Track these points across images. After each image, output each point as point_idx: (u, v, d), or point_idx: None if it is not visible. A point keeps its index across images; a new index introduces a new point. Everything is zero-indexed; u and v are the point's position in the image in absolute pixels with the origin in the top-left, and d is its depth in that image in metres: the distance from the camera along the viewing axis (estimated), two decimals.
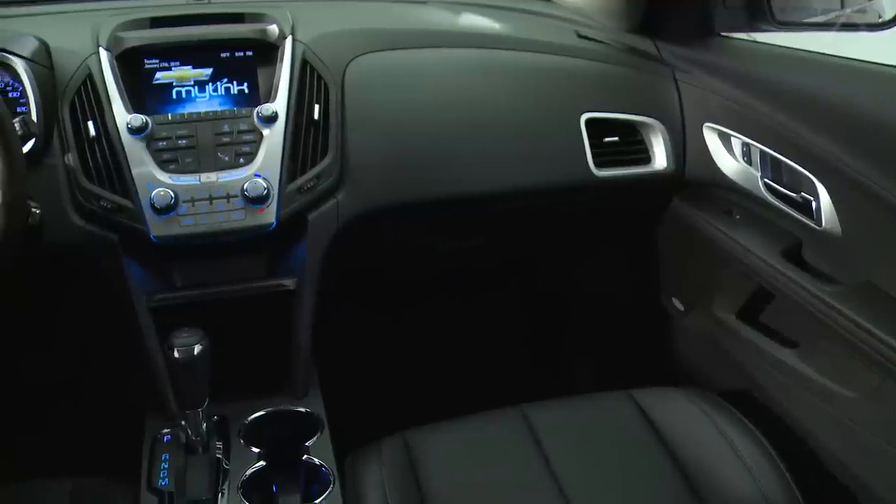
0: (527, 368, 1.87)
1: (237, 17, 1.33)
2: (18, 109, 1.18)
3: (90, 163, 1.18)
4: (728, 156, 1.36)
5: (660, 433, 1.19)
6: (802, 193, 1.21)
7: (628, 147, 1.42)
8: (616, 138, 1.41)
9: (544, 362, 1.92)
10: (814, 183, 1.17)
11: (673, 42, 1.49)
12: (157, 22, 1.31)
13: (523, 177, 1.36)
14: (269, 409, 1.28)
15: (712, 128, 1.38)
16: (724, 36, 1.45)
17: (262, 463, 1.17)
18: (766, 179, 1.28)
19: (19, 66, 1.18)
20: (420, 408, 1.33)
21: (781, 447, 1.16)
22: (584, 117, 1.38)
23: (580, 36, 1.52)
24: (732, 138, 1.34)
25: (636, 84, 1.45)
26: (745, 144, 1.32)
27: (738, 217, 1.38)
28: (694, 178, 1.43)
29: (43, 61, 1.22)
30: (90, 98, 1.20)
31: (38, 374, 1.70)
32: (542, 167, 1.37)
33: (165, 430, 1.23)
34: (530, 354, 1.92)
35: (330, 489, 1.14)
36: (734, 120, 1.33)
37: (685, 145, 1.43)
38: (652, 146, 1.43)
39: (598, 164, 1.38)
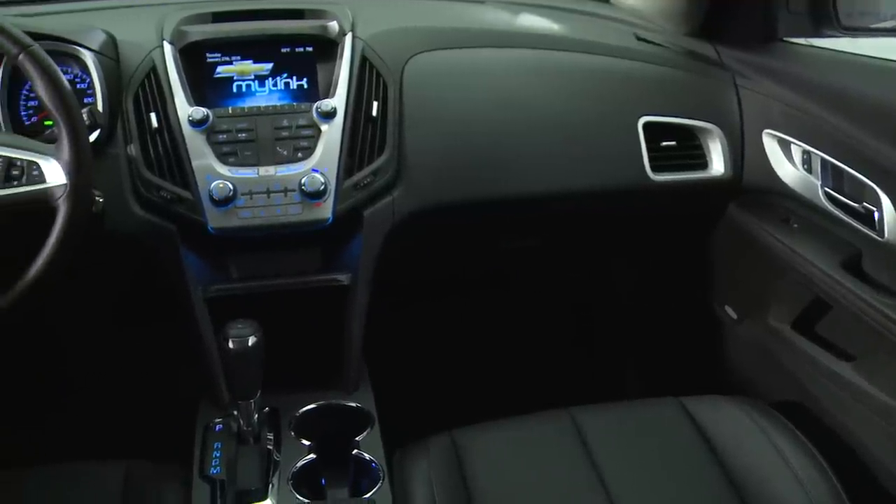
0: (575, 370, 1.87)
1: (298, 13, 1.35)
2: (86, 100, 1.21)
3: (151, 154, 1.21)
4: (787, 163, 1.34)
5: (709, 441, 1.18)
6: (864, 203, 1.18)
7: (685, 152, 1.41)
8: (673, 142, 1.40)
9: (593, 365, 1.91)
10: (877, 193, 1.14)
11: (734, 46, 1.47)
12: (219, 17, 1.33)
13: (579, 179, 1.36)
14: (320, 403, 1.29)
15: (772, 134, 1.36)
16: (786, 41, 1.42)
17: (312, 456, 1.19)
18: (826, 188, 1.26)
19: (88, 58, 1.21)
20: (467, 406, 1.33)
21: (834, 461, 1.14)
22: (641, 120, 1.37)
23: (639, 38, 1.51)
24: (793, 145, 1.32)
25: (695, 88, 1.44)
26: (805, 152, 1.30)
27: (795, 226, 1.36)
28: (751, 185, 1.41)
29: (110, 54, 1.25)
30: (153, 90, 1.23)
31: (93, 360, 1.73)
32: (598, 169, 1.36)
33: (218, 420, 1.24)
34: (579, 356, 1.91)
35: (379, 485, 1.14)
36: (795, 127, 1.31)
37: (743, 151, 1.41)
38: (709, 151, 1.42)
39: (654, 169, 1.37)
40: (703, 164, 1.42)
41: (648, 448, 1.19)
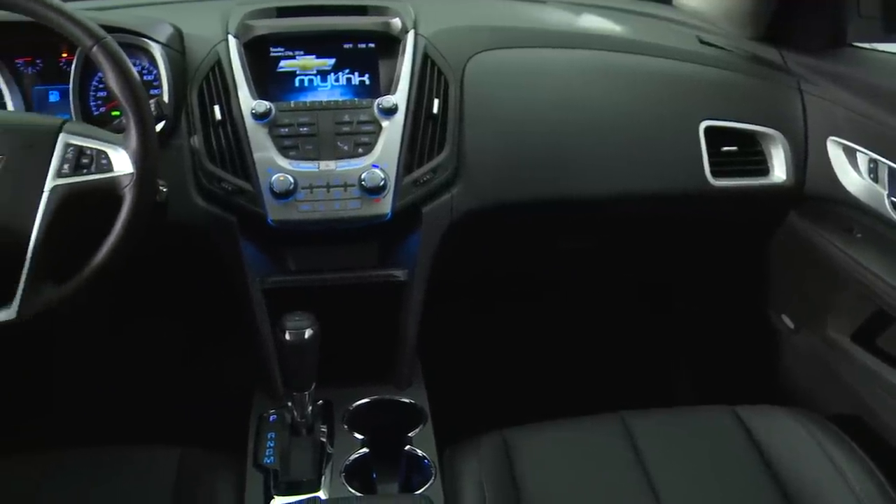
0: (628, 374, 1.85)
1: (361, 10, 1.36)
2: (152, 92, 1.23)
3: (214, 146, 1.23)
4: (852, 171, 1.31)
5: (763, 452, 1.16)
6: None
7: (747, 157, 1.39)
8: (735, 148, 1.38)
9: (646, 369, 1.89)
10: None
11: (800, 51, 1.44)
12: (283, 11, 1.35)
13: (638, 182, 1.35)
14: (373, 398, 1.30)
15: (837, 142, 1.33)
16: (855, 46, 1.39)
17: (365, 450, 1.20)
18: (893, 198, 1.23)
19: (156, 50, 1.23)
20: (519, 406, 1.33)
21: (893, 477, 1.11)
22: (702, 125, 1.36)
23: (702, 41, 1.49)
24: (858, 153, 1.30)
25: (759, 93, 1.42)
26: (871, 160, 1.27)
27: (859, 235, 1.33)
28: (814, 193, 1.39)
29: (176, 46, 1.27)
30: (218, 83, 1.24)
31: (152, 348, 1.76)
32: (657, 173, 1.35)
33: (272, 411, 1.26)
34: (633, 360, 1.89)
35: (431, 481, 1.15)
36: (862, 134, 1.29)
37: (807, 158, 1.39)
38: (771, 158, 1.39)
39: (714, 174, 1.36)
40: (765, 170, 1.39)
41: (700, 456, 1.17)
